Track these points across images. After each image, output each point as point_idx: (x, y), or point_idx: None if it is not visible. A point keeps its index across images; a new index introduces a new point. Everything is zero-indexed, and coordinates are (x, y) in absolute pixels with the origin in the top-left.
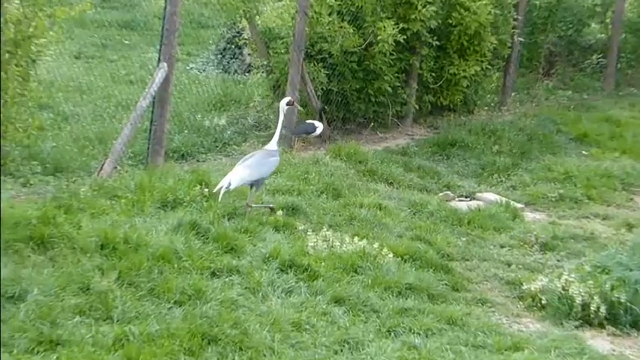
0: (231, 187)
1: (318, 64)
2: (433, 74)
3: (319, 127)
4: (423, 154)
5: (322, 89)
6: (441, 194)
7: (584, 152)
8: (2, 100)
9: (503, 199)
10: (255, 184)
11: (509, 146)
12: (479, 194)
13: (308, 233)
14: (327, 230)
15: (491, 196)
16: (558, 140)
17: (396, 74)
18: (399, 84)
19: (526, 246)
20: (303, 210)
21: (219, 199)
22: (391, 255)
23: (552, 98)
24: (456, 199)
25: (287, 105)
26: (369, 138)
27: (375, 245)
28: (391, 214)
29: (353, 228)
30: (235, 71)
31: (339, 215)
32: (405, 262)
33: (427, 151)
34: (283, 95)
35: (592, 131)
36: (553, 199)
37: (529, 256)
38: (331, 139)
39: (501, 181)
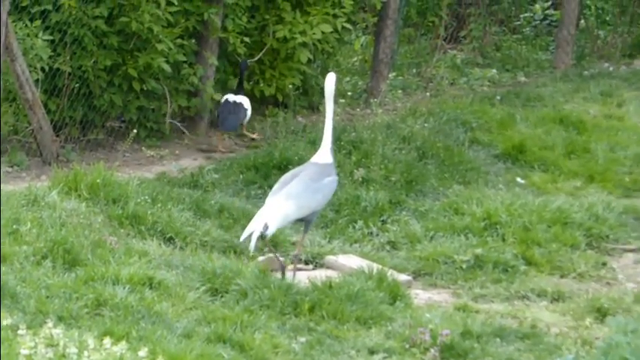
0: (269, 232)
1: (34, 23)
2: (247, 40)
3: (248, 107)
4: (230, 186)
5: (43, 69)
6: (262, 258)
7: (519, 179)
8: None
9: (375, 265)
10: (304, 220)
11: (386, 170)
12: (330, 258)
13: (20, 332)
14: (55, 327)
15: (352, 261)
16: (473, 158)
17: (180, 40)
18: (184, 58)
19: (415, 350)
20: (10, 290)
21: (252, 251)
22: None
23: (463, 82)
24: (290, 266)
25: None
26: (131, 157)
27: (143, 353)
28: (171, 297)
29: (102, 322)
30: None
31: (77, 299)
32: None
33: (237, 179)
34: None
35: (534, 141)
36: (464, 266)
37: None
38: (61, 160)
39: (371, 233)
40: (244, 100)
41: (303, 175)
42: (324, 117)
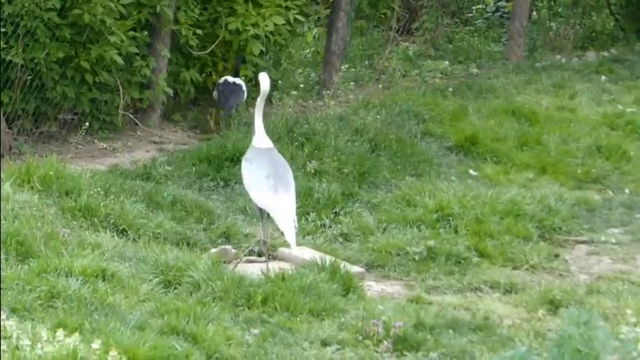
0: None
1: None
2: (199, 32)
3: (244, 87)
4: (182, 178)
5: None
6: (214, 250)
7: (472, 171)
8: None
9: (327, 257)
10: None
11: (338, 162)
12: (283, 250)
13: None
14: (8, 319)
15: (305, 253)
16: (426, 150)
17: (133, 32)
18: (137, 50)
19: (369, 342)
20: None
21: (295, 246)
22: None
23: (416, 74)
24: (243, 258)
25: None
26: (84, 149)
27: (96, 345)
28: (124, 289)
29: (55, 314)
30: None
31: (30, 291)
32: None
33: (190, 171)
34: None
35: (486, 133)
36: (416, 258)
37: None
38: (13, 152)
39: (323, 225)
40: (241, 82)
41: (283, 163)
42: (254, 108)
